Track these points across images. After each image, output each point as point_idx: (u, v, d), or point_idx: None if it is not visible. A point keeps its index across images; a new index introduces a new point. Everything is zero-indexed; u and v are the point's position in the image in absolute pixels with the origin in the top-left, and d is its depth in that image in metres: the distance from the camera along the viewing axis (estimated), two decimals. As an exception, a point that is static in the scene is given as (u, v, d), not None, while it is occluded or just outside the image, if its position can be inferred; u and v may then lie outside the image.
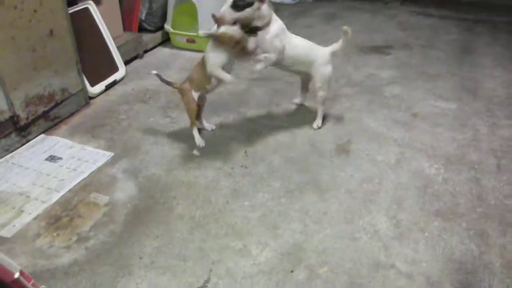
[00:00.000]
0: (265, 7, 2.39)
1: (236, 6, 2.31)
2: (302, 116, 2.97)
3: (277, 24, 2.49)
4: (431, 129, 2.79)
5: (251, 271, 1.86)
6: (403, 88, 3.29)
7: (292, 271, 1.86)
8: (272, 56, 2.49)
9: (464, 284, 1.78)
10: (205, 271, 1.87)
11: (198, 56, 3.93)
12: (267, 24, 2.44)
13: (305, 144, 2.68)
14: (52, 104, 2.85)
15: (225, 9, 2.32)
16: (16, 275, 0.99)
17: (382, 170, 2.43)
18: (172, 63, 3.82)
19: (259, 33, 2.42)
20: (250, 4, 2.32)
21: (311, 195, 2.26)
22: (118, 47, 3.53)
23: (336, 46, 2.77)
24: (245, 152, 2.61)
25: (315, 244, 1.98)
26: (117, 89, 3.38)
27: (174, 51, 4.05)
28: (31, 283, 1.06)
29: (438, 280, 1.80)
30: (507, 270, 1.83)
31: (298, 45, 2.64)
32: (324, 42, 4.13)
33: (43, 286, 1.47)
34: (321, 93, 2.72)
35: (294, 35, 2.63)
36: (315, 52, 2.71)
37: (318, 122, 2.81)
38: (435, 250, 1.94)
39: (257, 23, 2.41)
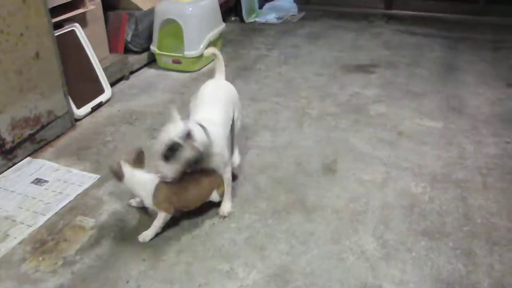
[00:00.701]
0: (199, 141, 1.95)
1: (167, 158, 1.96)
2: (289, 135, 2.99)
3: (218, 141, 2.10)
4: (417, 148, 2.82)
5: (238, 294, 1.85)
6: (388, 107, 3.33)
7: (279, 294, 1.84)
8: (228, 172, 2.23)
9: (451, 304, 1.78)
10: (191, 296, 1.85)
11: (184, 77, 3.99)
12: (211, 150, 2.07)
13: (291, 164, 2.69)
14: (38, 126, 2.83)
15: (160, 164, 1.99)
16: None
17: (369, 190, 2.44)
18: (158, 84, 3.83)
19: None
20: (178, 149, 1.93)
21: (297, 216, 2.26)
22: (104, 69, 3.54)
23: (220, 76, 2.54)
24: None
25: (302, 266, 1.97)
26: (103, 110, 3.37)
27: (160, 72, 4.07)
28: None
29: (426, 301, 1.80)
30: (494, 289, 1.84)
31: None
32: (310, 63, 4.21)
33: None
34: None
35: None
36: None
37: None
38: (423, 270, 1.94)
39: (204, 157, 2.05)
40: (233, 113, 2.39)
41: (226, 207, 2.28)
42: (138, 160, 2.15)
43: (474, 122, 3.13)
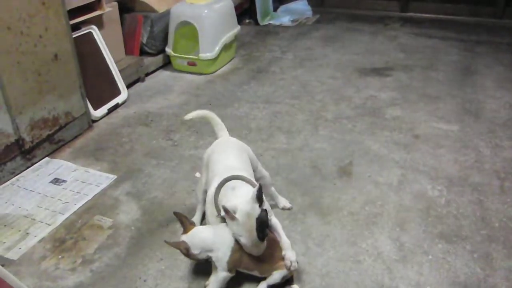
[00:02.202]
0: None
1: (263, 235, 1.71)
2: (304, 138, 2.99)
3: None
4: (433, 151, 2.81)
5: (254, 294, 1.85)
6: (404, 110, 3.32)
7: (293, 298, 1.85)
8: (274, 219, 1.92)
9: (469, 308, 1.77)
10: (208, 295, 1.86)
11: (199, 79, 4.02)
12: None
13: (306, 166, 2.70)
14: (56, 127, 2.88)
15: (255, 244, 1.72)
16: (25, 297, 1.00)
17: (384, 193, 2.43)
18: (173, 86, 3.87)
19: None
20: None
21: (313, 218, 2.26)
22: (120, 71, 3.58)
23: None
24: (248, 174, 2.62)
25: (318, 267, 1.97)
26: (119, 112, 3.42)
27: (175, 74, 4.11)
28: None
29: (444, 304, 1.79)
30: (512, 294, 1.82)
31: None
32: (325, 65, 4.21)
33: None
34: None
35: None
36: None
37: None
38: (440, 273, 1.93)
39: None
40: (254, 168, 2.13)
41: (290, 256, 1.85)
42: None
43: (491, 125, 3.09)
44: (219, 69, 4.17)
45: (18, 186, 2.57)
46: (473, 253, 2.02)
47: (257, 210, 1.65)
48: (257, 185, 1.68)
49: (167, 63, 4.25)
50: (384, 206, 2.33)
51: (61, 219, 2.32)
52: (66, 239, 2.19)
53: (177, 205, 2.39)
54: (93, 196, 2.47)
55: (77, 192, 2.52)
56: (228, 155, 2.02)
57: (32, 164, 2.76)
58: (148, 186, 2.56)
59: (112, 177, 2.64)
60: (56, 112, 2.86)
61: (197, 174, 2.64)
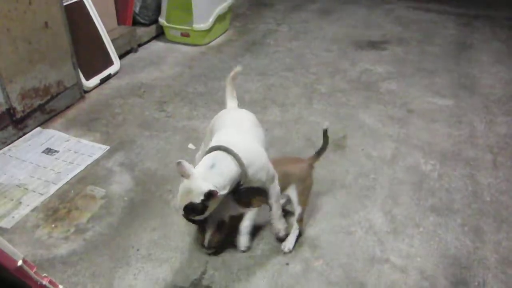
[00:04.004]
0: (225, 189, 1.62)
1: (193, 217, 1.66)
2: (298, 111, 2.98)
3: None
4: (427, 126, 2.81)
5: (247, 263, 1.87)
6: (399, 84, 3.30)
7: (287, 264, 1.87)
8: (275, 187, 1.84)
9: (458, 279, 1.80)
10: (201, 263, 1.88)
11: (192, 50, 3.96)
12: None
13: (300, 138, 2.69)
14: (48, 97, 2.83)
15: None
16: (19, 263, 1.00)
17: (378, 166, 2.44)
18: (167, 57, 3.80)
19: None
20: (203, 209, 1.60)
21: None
22: (112, 41, 3.51)
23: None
24: (242, 146, 2.61)
25: (311, 238, 1.99)
26: (112, 83, 3.37)
27: (169, 45, 4.04)
28: (33, 271, 1.06)
29: (433, 275, 1.82)
30: (501, 266, 1.85)
31: None
32: (321, 38, 4.15)
33: (45, 275, 1.47)
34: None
35: None
36: None
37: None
38: (430, 245, 1.96)
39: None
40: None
41: (277, 227, 1.93)
42: None
43: (486, 101, 3.09)
44: (213, 40, 4.10)
45: (10, 155, 2.55)
46: (463, 226, 2.05)
47: (196, 195, 1.55)
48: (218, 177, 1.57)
49: (160, 34, 4.17)
50: (377, 179, 2.34)
51: (54, 189, 2.31)
52: (59, 208, 2.18)
53: (170, 176, 2.38)
54: (86, 167, 2.46)
55: (70, 163, 2.50)
56: (242, 124, 1.85)
57: (24, 134, 2.72)
58: (141, 157, 2.54)
59: (105, 147, 2.62)
60: (48, 82, 2.80)
61: (191, 145, 2.63)
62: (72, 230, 2.06)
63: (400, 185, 2.30)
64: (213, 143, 1.70)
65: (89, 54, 3.28)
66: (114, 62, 3.50)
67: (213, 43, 4.07)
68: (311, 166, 1.96)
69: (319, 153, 1.98)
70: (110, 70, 3.43)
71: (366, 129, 2.77)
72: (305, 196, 1.91)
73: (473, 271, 1.83)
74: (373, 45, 3.99)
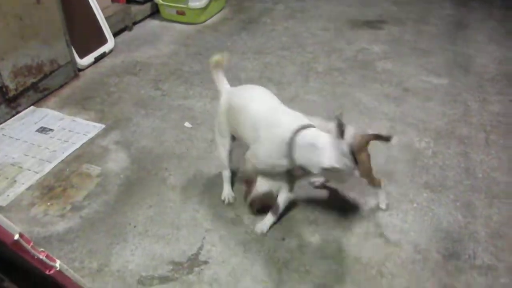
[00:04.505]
0: None
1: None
2: (294, 89, 2.97)
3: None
4: (422, 104, 2.82)
5: (243, 239, 1.90)
6: (395, 63, 3.29)
7: (283, 239, 1.90)
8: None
9: (450, 252, 1.84)
10: (198, 239, 1.90)
11: (188, 29, 3.91)
12: None
13: (297, 117, 2.69)
14: (41, 75, 2.80)
15: None
16: (16, 236, 1.01)
17: (373, 144, 2.44)
18: (162, 35, 3.76)
19: None
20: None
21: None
22: (107, 19, 3.46)
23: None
24: (238, 124, 2.61)
25: (306, 214, 2.02)
26: (106, 61, 3.33)
27: (164, 23, 3.99)
28: (30, 245, 1.07)
29: (426, 248, 1.85)
30: (491, 239, 1.89)
31: None
32: (317, 17, 4.11)
33: (42, 249, 1.48)
34: None
35: None
36: None
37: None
38: (423, 220, 1.99)
39: None
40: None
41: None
42: None
43: (480, 80, 3.10)
44: (209, 19, 4.05)
45: (3, 134, 2.53)
46: (456, 202, 2.08)
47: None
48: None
49: (155, 12, 4.11)
50: (372, 157, 2.35)
51: (49, 167, 2.31)
52: (54, 186, 2.19)
53: (166, 154, 2.39)
54: (81, 145, 2.46)
55: (65, 141, 2.49)
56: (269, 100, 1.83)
57: (17, 113, 2.71)
58: (136, 135, 2.54)
59: (100, 126, 2.61)
60: (40, 59, 2.77)
61: (187, 124, 2.63)
62: (68, 208, 2.07)
63: (395, 163, 2.32)
64: (299, 122, 1.67)
65: (83, 32, 3.24)
66: (109, 40, 3.46)
67: (209, 21, 4.02)
68: (365, 141, 1.89)
69: (378, 137, 1.92)
70: (105, 48, 3.39)
71: (362, 108, 2.78)
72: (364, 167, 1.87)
73: (464, 245, 1.87)
74: (370, 24, 3.96)
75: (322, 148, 1.55)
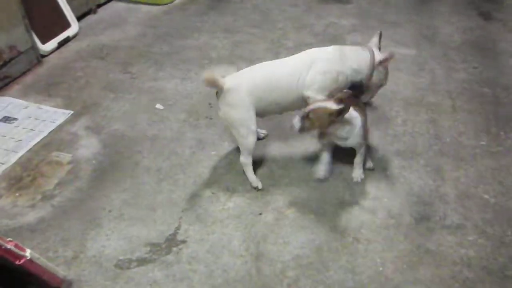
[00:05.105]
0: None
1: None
2: (265, 67, 2.96)
3: None
4: (391, 74, 2.78)
5: (220, 216, 1.91)
6: (363, 36, 3.30)
7: (260, 214, 1.91)
8: None
9: (422, 215, 1.89)
10: (175, 219, 1.90)
11: (155, 10, 3.82)
12: None
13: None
14: (1, 62, 2.69)
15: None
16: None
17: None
18: (129, 17, 3.66)
19: None
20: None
21: (277, 142, 2.30)
22: (69, 2, 3.34)
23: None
24: (209, 103, 2.59)
25: (282, 188, 2.04)
26: (71, 46, 3.23)
27: (130, 5, 3.88)
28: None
29: (399, 213, 1.90)
30: (460, 200, 1.96)
31: None
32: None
33: (9, 239, 1.45)
34: None
35: None
36: None
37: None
38: (396, 186, 2.04)
39: None
40: None
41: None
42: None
43: (446, 49, 3.15)
44: (176, -1, 3.97)
45: (-35, 125, 2.44)
46: (426, 167, 2.14)
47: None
48: None
49: (119, -6, 3.99)
50: (344, 129, 2.38)
51: (15, 157, 2.23)
52: (22, 177, 2.13)
53: (139, 137, 2.35)
54: (49, 133, 2.39)
55: (31, 130, 2.42)
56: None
57: (-22, 103, 2.61)
58: (107, 120, 2.49)
59: (68, 112, 2.55)
60: (-2, 46, 2.66)
61: (158, 106, 2.59)
62: (39, 197, 2.02)
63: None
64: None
65: (43, 16, 3.12)
66: (72, 24, 3.35)
67: (176, 1, 3.93)
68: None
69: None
70: (68, 32, 3.29)
71: (332, 81, 2.79)
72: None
73: (435, 207, 1.93)
74: (338, -2, 3.96)
75: (368, 54, 2.01)
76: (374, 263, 1.71)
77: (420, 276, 1.66)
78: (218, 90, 1.92)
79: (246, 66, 2.88)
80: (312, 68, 1.94)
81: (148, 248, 1.79)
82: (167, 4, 3.87)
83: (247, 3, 3.88)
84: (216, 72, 1.90)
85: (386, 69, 2.08)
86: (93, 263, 1.73)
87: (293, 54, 3.01)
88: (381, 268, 1.69)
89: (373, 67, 2.02)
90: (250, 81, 1.94)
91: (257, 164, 2.14)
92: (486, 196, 1.98)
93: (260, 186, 2.03)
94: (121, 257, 1.75)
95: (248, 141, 1.95)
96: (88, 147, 2.30)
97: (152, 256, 1.76)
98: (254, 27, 3.46)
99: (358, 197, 1.98)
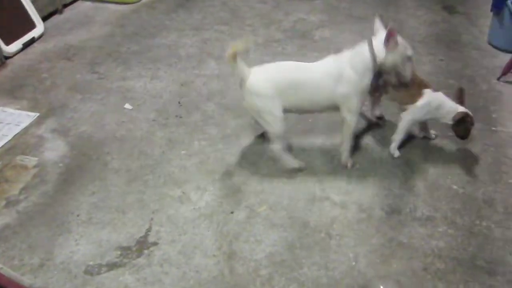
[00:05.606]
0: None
1: None
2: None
3: None
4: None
5: (192, 216, 1.88)
6: (332, 31, 3.34)
7: (232, 212, 1.90)
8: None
9: (392, 208, 1.91)
10: (146, 221, 1.87)
11: (123, 8, 3.75)
12: None
13: (238, 90, 2.64)
14: (-39, 65, 2.60)
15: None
16: None
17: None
18: (96, 17, 3.59)
19: None
20: None
21: (247, 139, 2.29)
22: (33, 2, 3.25)
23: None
24: (179, 102, 2.56)
25: (253, 185, 2.03)
26: (37, 47, 3.14)
27: (97, 4, 3.80)
28: None
29: (370, 207, 1.92)
30: (429, 192, 1.99)
31: None
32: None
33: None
34: None
35: None
36: None
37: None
38: (366, 180, 2.05)
39: None
40: None
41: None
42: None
43: (412, 42, 3.15)
44: (144, -3, 3.90)
45: None
46: (395, 160, 2.16)
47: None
48: None
49: (86, -7, 3.90)
50: (314, 123, 2.39)
51: (-22, 162, 2.16)
52: (-15, 182, 2.06)
53: (107, 138, 2.30)
54: (14, 136, 2.31)
55: (-5, 134, 2.34)
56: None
57: None
58: (74, 121, 2.43)
59: (34, 115, 2.47)
60: (-42, 48, 2.56)
61: (127, 106, 2.54)
62: (3, 203, 1.95)
63: (337, 125, 2.34)
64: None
65: (7, 17, 3.03)
66: (37, 24, 3.25)
67: (144, 0, 3.87)
68: None
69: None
70: (33, 33, 3.19)
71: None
72: None
73: (405, 200, 1.95)
74: (306, -6, 3.97)
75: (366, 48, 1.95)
76: (346, 258, 1.71)
77: (393, 269, 1.67)
78: (242, 81, 1.97)
79: (216, 64, 2.91)
80: (341, 85, 1.94)
81: (119, 252, 1.75)
82: (135, 2, 3.81)
83: (216, 1, 3.85)
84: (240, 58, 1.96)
85: (396, 44, 1.93)
86: (61, 270, 1.68)
87: (262, 51, 3.06)
88: (354, 263, 1.70)
89: (374, 56, 1.92)
90: (275, 74, 2.00)
91: (226, 162, 2.13)
92: (454, 187, 2.02)
93: (302, 165, 2.08)
94: (90, 263, 1.71)
95: (275, 127, 1.98)
96: (55, 150, 2.24)
97: (123, 260, 1.72)
98: (223, 25, 3.44)
99: (329, 192, 1.99)
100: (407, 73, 1.99)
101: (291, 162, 2.08)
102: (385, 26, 1.94)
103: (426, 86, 2.08)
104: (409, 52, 1.98)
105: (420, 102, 2.05)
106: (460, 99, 2.10)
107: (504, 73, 2.72)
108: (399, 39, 1.92)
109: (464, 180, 2.05)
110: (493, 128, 2.36)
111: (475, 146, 2.24)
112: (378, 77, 1.99)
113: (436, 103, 2.05)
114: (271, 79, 1.97)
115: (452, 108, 2.05)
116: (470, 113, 2.05)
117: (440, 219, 1.87)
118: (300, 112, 2.12)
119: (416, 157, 2.17)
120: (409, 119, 2.10)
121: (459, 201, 1.95)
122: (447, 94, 2.10)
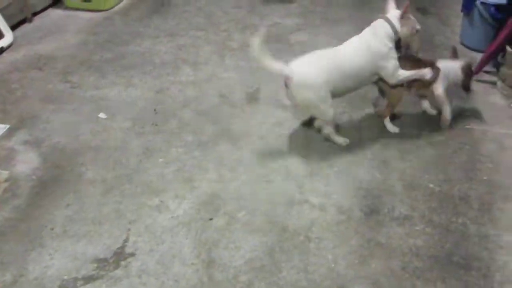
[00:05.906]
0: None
1: None
2: (211, 68, 2.93)
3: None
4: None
5: (170, 225, 1.85)
6: (308, 35, 3.35)
7: (211, 219, 1.88)
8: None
9: (371, 208, 1.92)
10: (123, 232, 1.83)
11: (95, 16, 3.69)
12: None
13: (214, 95, 2.66)
14: None
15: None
16: None
17: (291, 114, 2.49)
18: (67, 25, 3.52)
19: None
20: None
21: (224, 145, 2.27)
22: (1, 10, 3.17)
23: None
24: (155, 110, 2.53)
25: (232, 191, 2.01)
26: (5, 56, 3.07)
27: (68, 12, 3.73)
28: None
29: (349, 208, 1.92)
30: (407, 191, 2.01)
31: None
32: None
33: None
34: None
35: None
36: None
37: None
38: (345, 181, 2.06)
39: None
40: None
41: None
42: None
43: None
44: (117, 4, 3.85)
45: None
46: (372, 161, 2.18)
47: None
48: None
49: (57, 1, 3.83)
50: (291, 127, 2.39)
51: None
52: (-47, 199, 1.99)
53: (82, 148, 2.26)
54: (-17, 150, 2.25)
55: (-37, 148, 2.27)
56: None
57: None
58: (47, 132, 2.37)
59: (4, 126, 2.41)
60: None
61: (101, 115, 2.50)
62: (-27, 219, 1.89)
63: (313, 131, 2.36)
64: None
65: (-28, 27, 2.94)
66: (5, 33, 3.18)
67: (117, 7, 3.83)
68: None
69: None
70: (2, 42, 3.12)
71: (278, 81, 2.78)
72: None
73: (383, 200, 1.97)
74: (281, -2, 3.99)
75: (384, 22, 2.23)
76: (326, 260, 1.71)
77: (372, 270, 1.68)
78: (287, 79, 2.11)
79: (191, 70, 2.89)
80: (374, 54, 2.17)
81: (95, 265, 1.70)
82: (107, 10, 3.75)
83: (191, 7, 3.84)
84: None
85: (409, 18, 2.24)
86: (34, 286, 1.63)
87: (238, 56, 3.06)
88: (333, 265, 1.69)
89: (393, 27, 2.19)
90: (321, 64, 2.13)
91: (203, 168, 2.11)
92: (431, 185, 2.04)
93: (347, 141, 2.26)
94: (65, 277, 1.66)
95: (329, 114, 2.16)
96: (27, 162, 2.18)
97: (100, 272, 1.68)
98: (198, 30, 3.42)
99: (308, 195, 1.99)
100: (415, 44, 2.28)
101: (339, 140, 2.25)
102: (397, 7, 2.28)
103: (432, 62, 2.32)
104: (418, 26, 2.24)
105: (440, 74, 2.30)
106: (454, 56, 2.40)
107: (476, 72, 2.77)
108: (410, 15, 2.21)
109: (441, 179, 2.08)
110: (467, 127, 2.40)
111: (450, 144, 2.28)
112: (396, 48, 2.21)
113: (447, 70, 2.31)
114: (319, 69, 2.11)
115: (456, 65, 2.35)
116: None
117: (418, 218, 1.88)
118: (344, 93, 2.26)
119: (393, 158, 2.19)
120: (441, 91, 2.29)
121: (435, 200, 1.97)
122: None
